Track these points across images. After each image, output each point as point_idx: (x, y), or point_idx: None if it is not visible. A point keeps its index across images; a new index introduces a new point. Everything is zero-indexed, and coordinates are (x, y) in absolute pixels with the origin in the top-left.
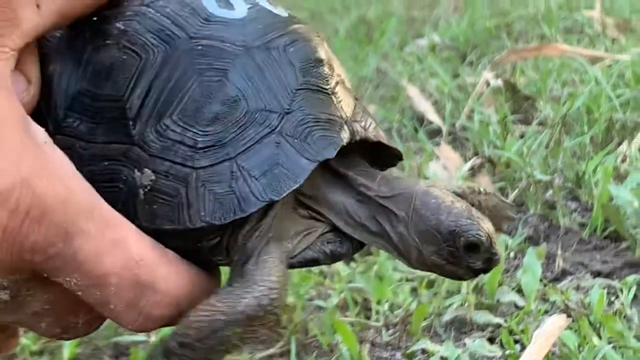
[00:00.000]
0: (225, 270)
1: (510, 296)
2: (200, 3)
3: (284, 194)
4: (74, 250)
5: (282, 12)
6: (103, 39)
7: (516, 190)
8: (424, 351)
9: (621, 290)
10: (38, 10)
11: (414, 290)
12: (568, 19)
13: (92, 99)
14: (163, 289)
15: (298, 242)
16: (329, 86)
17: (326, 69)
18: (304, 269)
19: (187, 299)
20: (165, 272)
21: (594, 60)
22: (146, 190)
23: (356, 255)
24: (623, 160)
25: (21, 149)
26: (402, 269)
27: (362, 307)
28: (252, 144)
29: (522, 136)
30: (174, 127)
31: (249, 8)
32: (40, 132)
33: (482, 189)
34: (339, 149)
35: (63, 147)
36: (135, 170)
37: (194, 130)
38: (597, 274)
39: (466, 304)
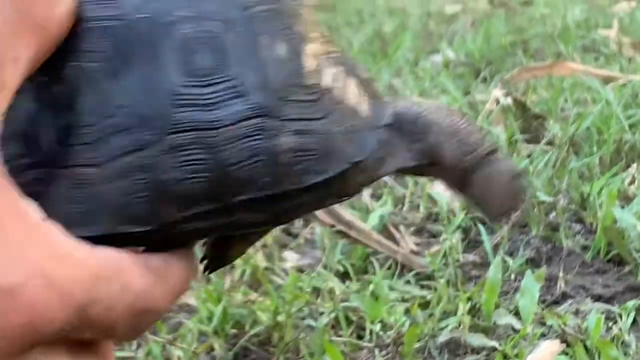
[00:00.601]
0: None
1: (507, 319)
2: None
3: (389, 119)
4: (88, 318)
5: None
6: None
7: (519, 211)
8: None
9: (620, 316)
10: (17, 65)
11: (408, 311)
12: (585, 37)
13: (203, 86)
14: (161, 306)
15: None
16: None
17: None
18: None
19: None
20: (160, 290)
21: (607, 80)
22: (291, 153)
23: (351, 273)
24: (631, 183)
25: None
26: (398, 288)
27: (356, 327)
28: (344, 85)
29: (529, 155)
30: (290, 87)
31: None
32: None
33: None
34: None
35: (186, 144)
36: (276, 139)
37: (305, 86)
38: (597, 298)
39: (461, 326)
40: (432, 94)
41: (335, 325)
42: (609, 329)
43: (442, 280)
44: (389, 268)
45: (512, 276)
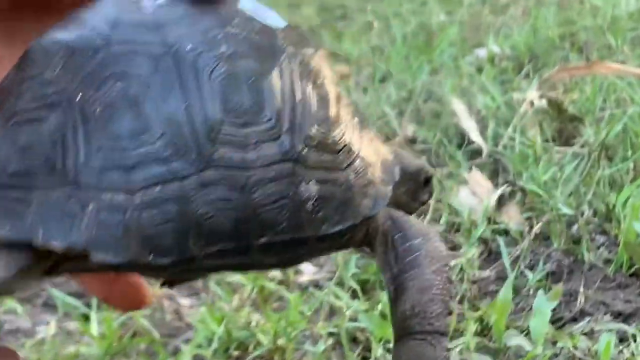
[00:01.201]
0: None
1: (518, 340)
2: (255, 17)
3: (398, 175)
4: None
5: None
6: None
7: (540, 224)
8: None
9: (634, 337)
10: None
11: None
12: (636, 29)
13: (240, 126)
14: None
15: None
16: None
17: None
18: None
19: None
20: None
21: None
22: (314, 201)
23: (359, 293)
24: None
25: None
26: None
27: (363, 348)
28: (359, 138)
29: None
30: (318, 136)
31: (275, 16)
32: None
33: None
34: None
35: (219, 181)
36: (302, 185)
37: (330, 135)
38: (617, 315)
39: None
40: (471, 92)
41: (341, 346)
42: (620, 352)
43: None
44: None
45: (531, 291)
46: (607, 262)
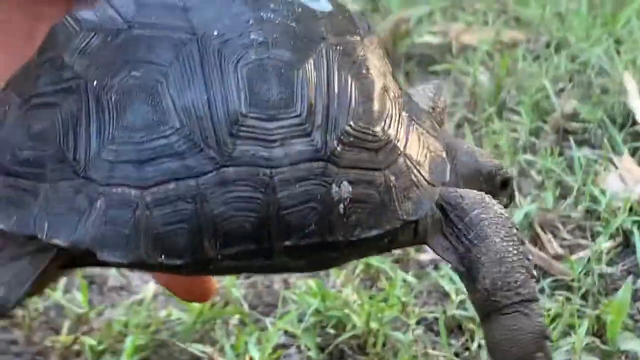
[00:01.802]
0: None
1: (633, 344)
2: (299, 1)
3: (447, 176)
4: None
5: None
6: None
7: None
8: None
9: None
10: None
11: None
12: None
13: (266, 120)
14: None
15: None
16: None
17: None
18: None
19: None
20: None
21: None
22: (346, 203)
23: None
24: None
25: None
26: None
27: (468, 338)
28: (406, 135)
29: None
30: (354, 132)
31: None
32: None
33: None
34: None
35: (240, 179)
36: (332, 186)
37: (370, 132)
38: None
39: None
40: None
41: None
42: None
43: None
44: None
45: None
46: None
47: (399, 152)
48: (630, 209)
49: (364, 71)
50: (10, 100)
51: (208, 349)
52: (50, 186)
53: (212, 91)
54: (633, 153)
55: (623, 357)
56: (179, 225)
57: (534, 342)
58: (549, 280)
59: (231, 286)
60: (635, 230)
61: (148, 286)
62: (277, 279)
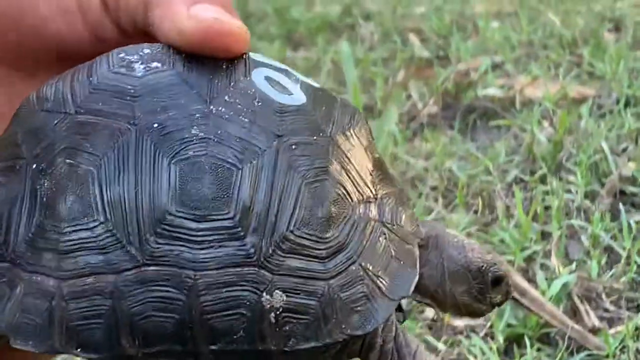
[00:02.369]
0: None
1: None
2: (262, 92)
3: (411, 289)
4: None
5: (314, 84)
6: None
7: None
8: None
9: None
10: None
11: None
12: None
13: (194, 220)
14: None
15: None
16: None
17: None
18: None
19: None
20: None
21: None
22: (278, 312)
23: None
24: None
25: None
26: None
27: None
28: (367, 241)
29: None
30: (296, 239)
31: (301, 90)
32: None
33: None
34: None
35: (163, 279)
36: (263, 294)
37: (315, 239)
38: None
39: None
40: None
41: None
42: None
43: None
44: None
45: None
46: None
47: (353, 260)
48: None
49: (320, 173)
50: None
51: None
52: None
53: (141, 186)
54: None
55: None
56: (95, 320)
57: None
58: (583, 354)
59: None
60: None
61: None
62: None
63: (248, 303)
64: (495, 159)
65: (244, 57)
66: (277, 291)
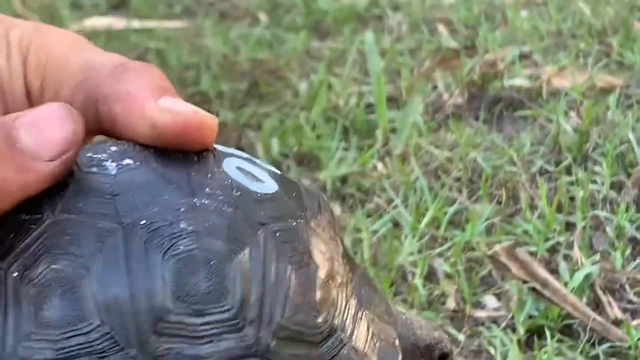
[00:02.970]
0: None
1: None
2: (238, 182)
3: None
4: None
5: (276, 170)
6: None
7: None
8: None
9: None
10: None
11: None
12: None
13: (193, 315)
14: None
15: None
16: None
17: None
18: None
19: None
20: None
21: None
22: None
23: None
24: None
25: None
26: None
27: None
28: (352, 323)
29: None
30: (291, 326)
31: (271, 177)
32: None
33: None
34: None
35: None
36: None
37: (310, 325)
38: None
39: None
40: None
41: None
42: None
43: None
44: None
45: None
46: None
47: (344, 343)
48: None
49: (305, 259)
50: None
51: None
52: None
53: (135, 285)
54: None
55: None
56: None
57: None
58: (605, 346)
59: None
60: None
61: None
62: None
63: None
64: (520, 150)
65: (210, 148)
66: None
